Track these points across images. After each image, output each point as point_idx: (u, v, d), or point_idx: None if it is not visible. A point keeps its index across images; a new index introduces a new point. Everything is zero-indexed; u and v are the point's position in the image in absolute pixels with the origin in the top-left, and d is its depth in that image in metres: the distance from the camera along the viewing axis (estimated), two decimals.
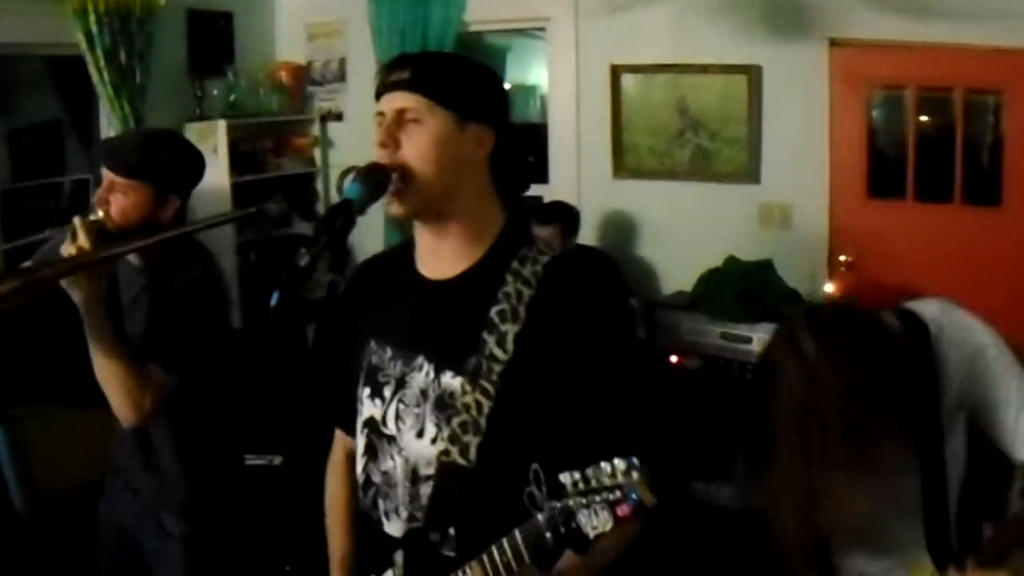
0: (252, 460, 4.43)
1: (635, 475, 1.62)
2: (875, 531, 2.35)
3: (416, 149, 1.94)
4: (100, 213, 2.75)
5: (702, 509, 4.75)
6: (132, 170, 2.76)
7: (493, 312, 1.95)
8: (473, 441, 1.92)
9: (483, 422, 1.92)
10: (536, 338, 1.93)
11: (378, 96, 2.02)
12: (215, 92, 6.28)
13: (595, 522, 1.63)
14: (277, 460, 4.53)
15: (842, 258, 4.91)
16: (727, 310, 4.85)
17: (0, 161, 5.82)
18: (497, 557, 1.78)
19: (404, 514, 2.03)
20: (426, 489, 1.99)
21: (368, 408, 2.11)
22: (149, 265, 2.86)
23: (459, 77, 2.01)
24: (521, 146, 2.27)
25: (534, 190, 6.14)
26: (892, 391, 2.07)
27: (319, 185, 6.85)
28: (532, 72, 8.00)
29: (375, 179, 1.93)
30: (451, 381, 1.96)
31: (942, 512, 2.22)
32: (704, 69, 5.43)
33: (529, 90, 8.15)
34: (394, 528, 2.06)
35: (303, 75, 6.85)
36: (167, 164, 2.82)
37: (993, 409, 2.23)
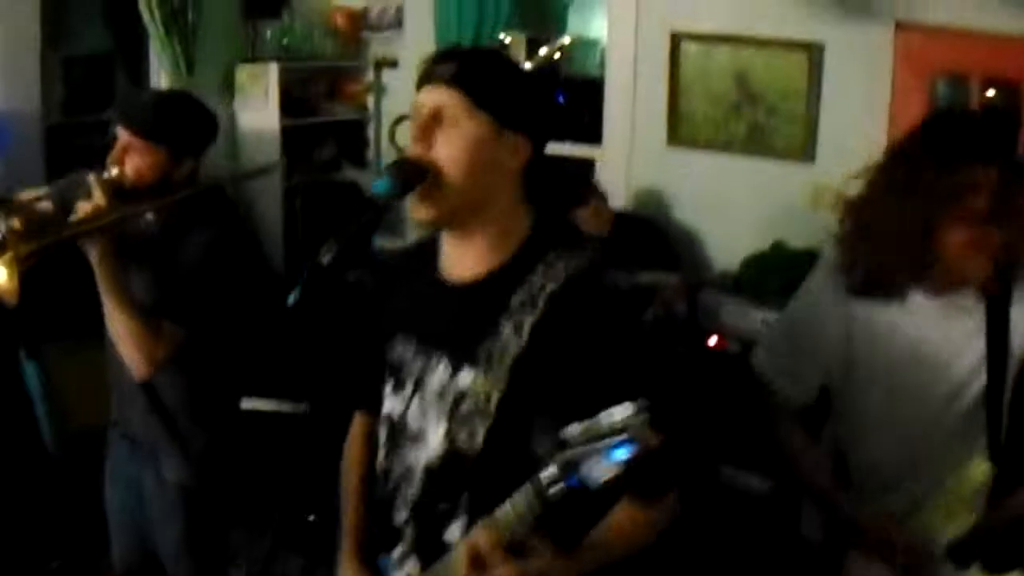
0: (281, 407, 4.46)
1: (641, 417, 1.57)
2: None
3: (449, 151, 1.89)
4: (115, 171, 2.74)
5: (730, 495, 4.70)
6: (149, 132, 2.78)
7: (514, 300, 1.92)
8: (481, 427, 1.90)
9: (492, 408, 1.89)
10: (552, 330, 1.89)
11: (419, 85, 1.96)
12: (268, 35, 6.25)
13: (600, 470, 1.58)
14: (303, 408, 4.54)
15: None
16: (770, 298, 4.77)
17: (53, 90, 5.80)
18: (504, 516, 1.74)
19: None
20: (436, 473, 1.99)
21: (390, 402, 2.11)
22: (165, 222, 2.90)
23: (505, 81, 1.95)
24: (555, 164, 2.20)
25: (586, 151, 6.09)
26: None
27: (370, 132, 6.77)
28: (594, 24, 7.85)
29: (407, 175, 1.89)
30: (466, 377, 1.94)
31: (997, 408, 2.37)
32: (765, 43, 5.29)
33: (590, 44, 8.00)
34: (403, 516, 2.06)
35: (359, 20, 6.73)
36: (183, 127, 2.86)
37: None
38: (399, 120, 6.52)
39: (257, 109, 6.22)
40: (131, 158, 2.78)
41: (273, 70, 6.13)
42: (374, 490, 2.19)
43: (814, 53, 5.15)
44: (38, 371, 4.55)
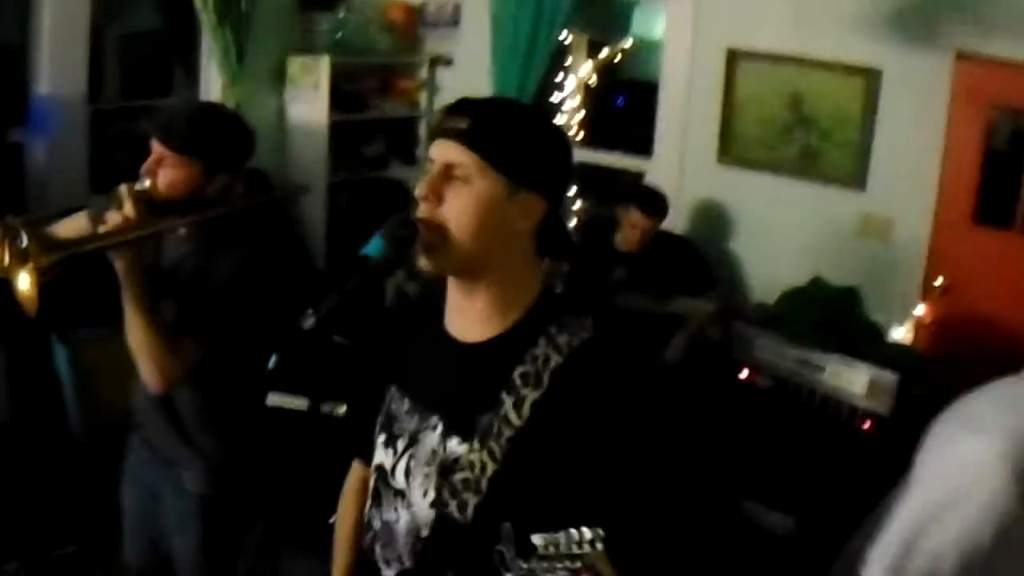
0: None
1: (598, 547, 1.53)
2: None
3: (458, 209, 1.81)
4: (148, 182, 2.72)
5: (752, 531, 4.65)
6: (183, 146, 2.73)
7: (516, 373, 1.84)
8: (472, 500, 1.84)
9: (484, 483, 1.83)
10: (554, 408, 1.81)
11: (432, 138, 1.90)
12: (323, 27, 6.21)
13: None
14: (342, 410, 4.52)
15: (938, 282, 4.74)
16: (804, 336, 4.70)
17: (109, 69, 5.82)
18: None
19: (395, 568, 1.98)
20: (423, 545, 1.93)
21: (380, 455, 2.05)
22: (197, 239, 2.85)
23: (520, 138, 1.85)
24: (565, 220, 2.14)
25: (635, 164, 6.02)
26: None
27: (421, 130, 6.76)
28: (659, 27, 7.75)
29: (403, 238, 1.84)
30: (456, 447, 1.88)
31: None
32: (822, 66, 5.19)
33: (654, 46, 7.90)
34: (392, 573, 2.00)
35: (416, 16, 6.69)
36: (219, 142, 2.80)
37: None
38: None
39: (307, 102, 6.20)
40: (164, 171, 2.74)
41: (324, 63, 6.09)
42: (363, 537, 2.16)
43: (871, 79, 5.06)
44: (68, 355, 4.58)
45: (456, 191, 1.82)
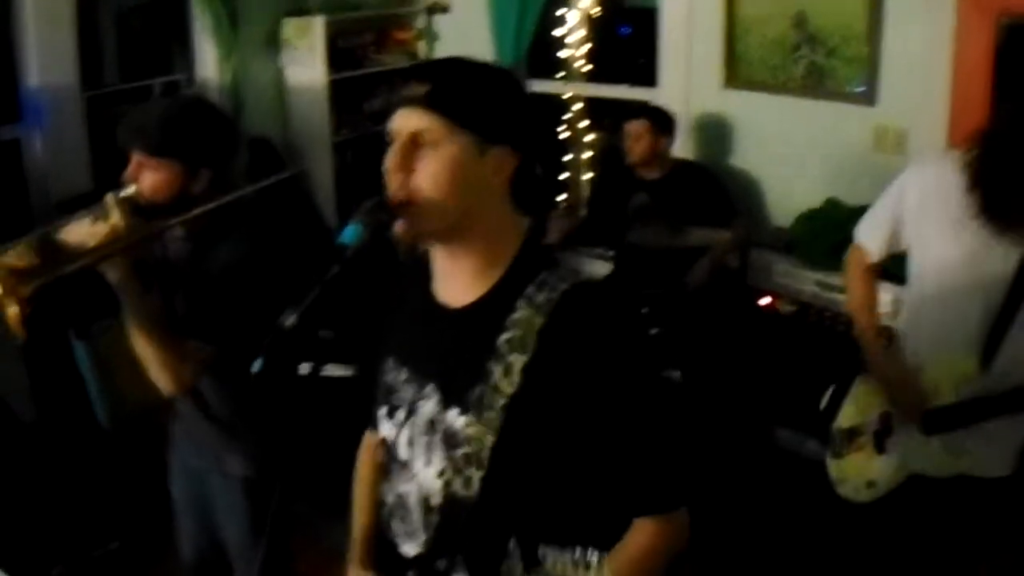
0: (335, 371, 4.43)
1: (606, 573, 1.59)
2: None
3: (430, 176, 1.76)
4: (132, 189, 2.67)
5: (784, 457, 4.63)
6: (157, 148, 2.67)
7: (501, 340, 1.80)
8: (476, 474, 1.81)
9: (486, 456, 1.80)
10: (545, 370, 1.77)
11: (394, 110, 1.85)
12: None
13: None
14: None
15: None
16: (822, 259, 4.63)
17: (107, 48, 5.76)
18: None
19: (422, 537, 1.96)
20: (436, 518, 1.91)
21: (384, 428, 2.03)
22: (192, 235, 2.79)
23: (482, 94, 1.80)
24: (545, 165, 2.08)
25: (642, 94, 5.94)
26: None
27: None
28: None
29: (380, 219, 1.78)
30: (456, 418, 1.85)
31: (1000, 335, 2.81)
32: None
33: None
34: (410, 549, 1.99)
35: None
36: (194, 138, 2.72)
37: None
38: None
39: (304, 63, 6.15)
40: (145, 175, 2.67)
41: (319, 23, 6.03)
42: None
43: None
44: (88, 351, 4.56)
45: (426, 157, 1.76)
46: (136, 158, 2.69)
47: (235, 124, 2.91)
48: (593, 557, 1.60)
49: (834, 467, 3.21)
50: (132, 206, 2.59)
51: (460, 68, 1.85)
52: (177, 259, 2.84)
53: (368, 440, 2.28)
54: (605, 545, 1.83)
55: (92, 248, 2.53)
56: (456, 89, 1.78)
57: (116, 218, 2.53)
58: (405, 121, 1.79)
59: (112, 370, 4.52)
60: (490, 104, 1.81)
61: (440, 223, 1.80)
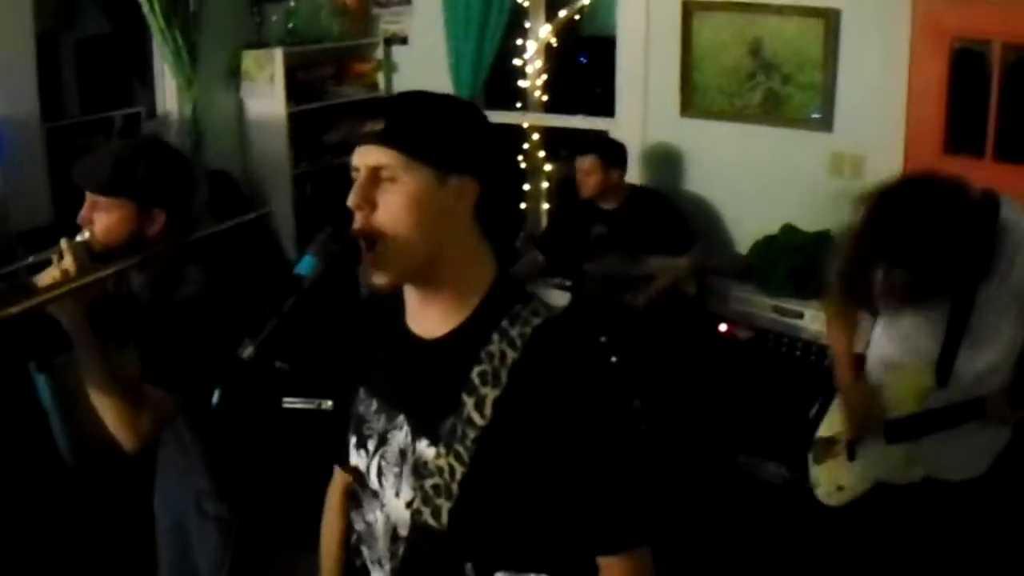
0: (297, 404, 4.41)
1: None
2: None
3: (392, 210, 1.76)
4: (87, 234, 2.66)
5: (746, 482, 4.65)
6: (108, 187, 2.65)
7: (475, 373, 1.81)
8: (445, 505, 1.82)
9: (455, 487, 1.81)
10: (516, 405, 1.79)
11: (353, 147, 1.86)
12: (274, 18, 6.15)
13: None
14: (327, 404, 4.49)
15: None
16: (780, 285, 4.68)
17: (67, 80, 5.74)
18: None
19: (387, 567, 1.96)
20: (403, 548, 1.92)
21: (354, 457, 2.04)
22: (152, 280, 2.79)
23: (438, 126, 1.80)
24: (509, 193, 2.10)
25: (599, 124, 5.99)
26: (945, 242, 2.80)
27: None
28: None
29: (335, 251, 1.79)
30: (425, 450, 1.85)
31: (951, 357, 3.03)
32: (780, 10, 5.14)
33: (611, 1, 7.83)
34: None
35: None
36: (146, 178, 2.70)
37: None
38: None
39: (264, 95, 6.15)
40: (99, 216, 2.67)
41: (278, 55, 6.03)
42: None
43: (830, 18, 5.01)
44: (50, 384, 4.53)
45: (387, 193, 1.76)
46: (90, 198, 2.69)
47: (191, 165, 2.89)
48: None
49: (813, 472, 3.45)
50: (86, 251, 2.59)
51: (415, 102, 1.85)
52: (140, 304, 2.82)
53: (337, 480, 2.29)
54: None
55: (40, 289, 2.52)
56: (410, 123, 1.79)
57: (68, 262, 2.51)
58: (364, 158, 1.79)
59: (75, 404, 4.47)
60: (445, 135, 1.80)
61: (410, 260, 1.80)
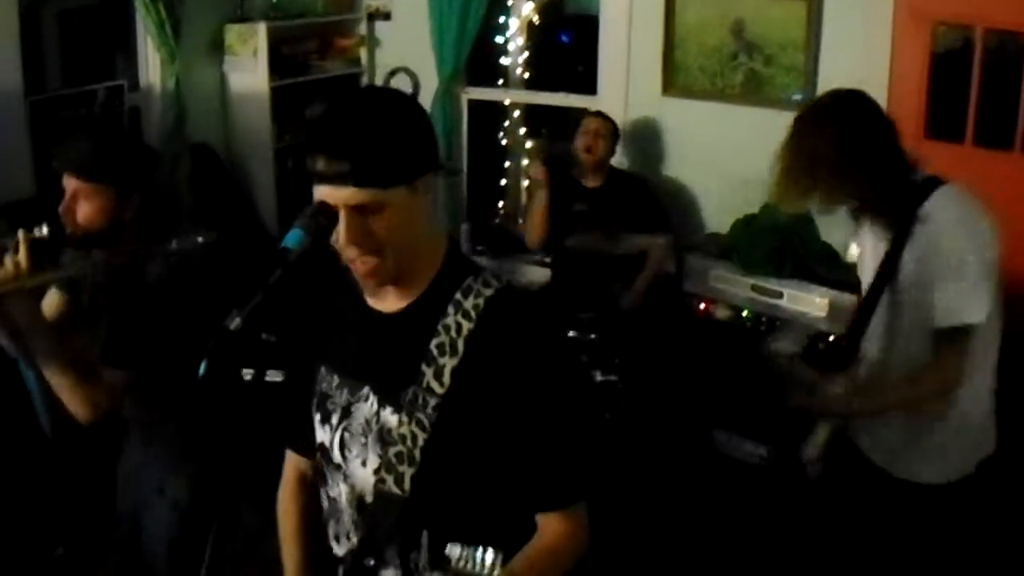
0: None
1: (496, 572, 1.65)
2: None
3: (387, 232, 1.84)
4: (45, 229, 2.64)
5: (722, 460, 4.69)
6: (95, 173, 2.71)
7: (433, 344, 1.92)
8: (408, 471, 1.92)
9: (417, 454, 1.91)
10: (472, 373, 1.90)
11: (318, 181, 1.83)
12: None
13: None
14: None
15: None
16: (758, 264, 4.72)
17: (50, 52, 5.69)
18: None
19: (353, 539, 2.05)
20: (368, 517, 2.00)
21: (319, 434, 2.11)
22: (120, 267, 2.82)
23: (396, 148, 1.82)
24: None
25: (581, 101, 6.00)
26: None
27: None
28: None
29: (320, 223, 1.81)
30: (390, 417, 1.95)
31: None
32: None
33: None
34: (342, 550, 2.09)
35: None
36: (127, 162, 2.79)
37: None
38: (393, 72, 6.44)
39: (247, 70, 6.13)
40: (81, 205, 2.72)
41: (261, 30, 6.02)
42: (309, 521, 2.22)
43: (813, 1, 5.05)
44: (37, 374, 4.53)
45: (377, 221, 1.83)
46: (72, 186, 2.72)
47: (152, 151, 2.94)
48: (497, 558, 1.66)
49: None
50: (40, 246, 2.55)
51: (368, 129, 1.83)
52: (87, 301, 2.88)
53: (290, 463, 2.32)
54: (515, 547, 1.91)
55: None
56: (375, 158, 1.80)
57: (21, 256, 2.51)
58: (340, 198, 1.81)
59: None
60: (405, 153, 1.85)
61: (404, 259, 1.91)
